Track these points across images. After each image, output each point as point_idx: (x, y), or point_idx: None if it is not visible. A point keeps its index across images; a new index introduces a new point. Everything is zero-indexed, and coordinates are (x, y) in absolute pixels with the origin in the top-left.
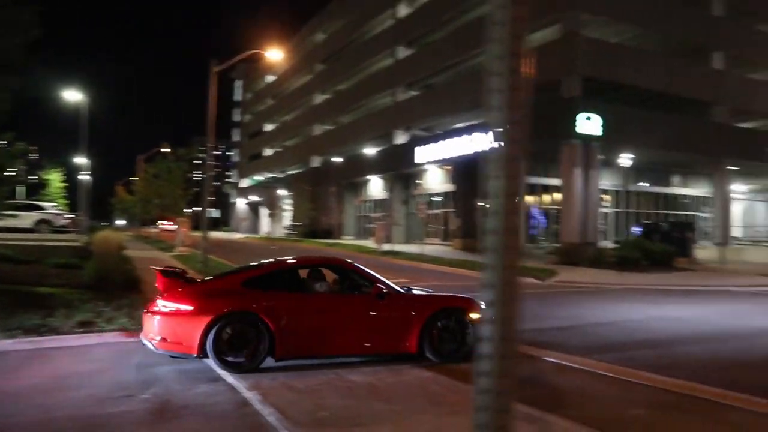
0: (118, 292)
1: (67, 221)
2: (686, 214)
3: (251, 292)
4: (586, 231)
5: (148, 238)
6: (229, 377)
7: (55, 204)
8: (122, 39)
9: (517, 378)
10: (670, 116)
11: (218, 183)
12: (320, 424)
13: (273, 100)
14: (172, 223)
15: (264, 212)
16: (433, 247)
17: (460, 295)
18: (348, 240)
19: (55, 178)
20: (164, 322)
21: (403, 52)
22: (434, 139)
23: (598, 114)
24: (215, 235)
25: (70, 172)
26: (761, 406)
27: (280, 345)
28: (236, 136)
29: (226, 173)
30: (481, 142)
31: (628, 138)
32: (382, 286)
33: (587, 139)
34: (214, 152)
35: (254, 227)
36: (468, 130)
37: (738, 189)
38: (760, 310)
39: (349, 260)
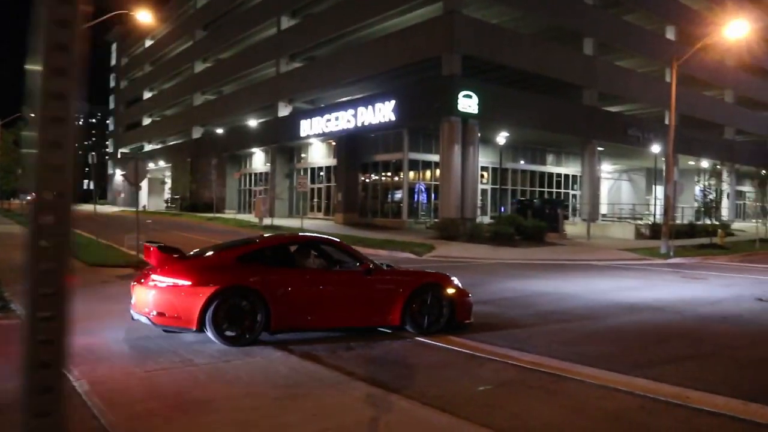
0: None
1: None
2: (560, 192)
3: (247, 266)
4: (465, 207)
5: (10, 212)
6: None
7: None
8: None
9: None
10: (544, 97)
11: (95, 153)
12: (145, 415)
13: (152, 66)
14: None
15: (144, 184)
16: (315, 222)
17: (437, 272)
18: (230, 214)
19: None
20: (161, 297)
21: (287, 22)
22: (318, 112)
23: (476, 92)
24: (88, 208)
25: None
26: (597, 378)
27: (276, 318)
28: (114, 104)
29: (106, 143)
30: (364, 116)
31: (504, 117)
32: (369, 264)
33: (466, 116)
34: (91, 120)
35: (133, 200)
36: (351, 105)
37: (606, 169)
38: (618, 284)
39: (338, 239)
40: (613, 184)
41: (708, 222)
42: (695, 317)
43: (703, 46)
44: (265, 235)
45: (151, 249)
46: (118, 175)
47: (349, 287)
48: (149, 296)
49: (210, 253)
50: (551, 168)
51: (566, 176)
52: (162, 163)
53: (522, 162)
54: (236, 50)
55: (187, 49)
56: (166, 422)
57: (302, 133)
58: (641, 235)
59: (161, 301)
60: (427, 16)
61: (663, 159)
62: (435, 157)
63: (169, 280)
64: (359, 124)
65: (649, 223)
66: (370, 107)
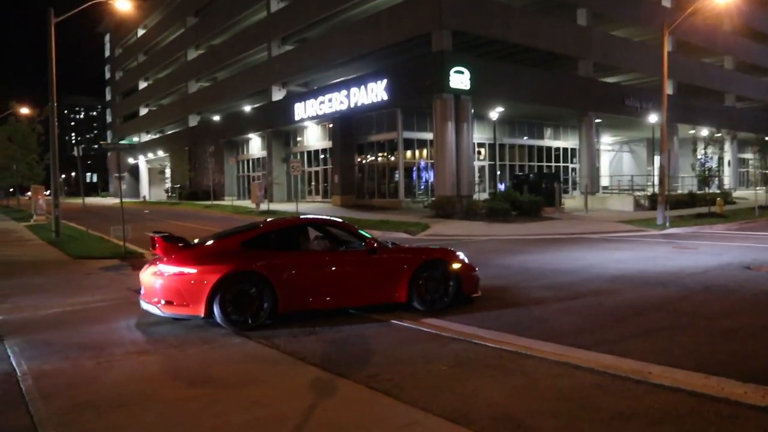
0: None
1: None
2: (558, 166)
3: (251, 252)
4: (461, 184)
5: (8, 208)
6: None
7: None
8: None
9: None
10: (538, 71)
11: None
12: (81, 408)
13: (145, 56)
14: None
15: (144, 175)
16: (313, 205)
17: (442, 248)
18: (228, 201)
19: None
20: (168, 286)
21: (276, 5)
22: (312, 95)
23: (468, 68)
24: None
25: None
26: (560, 355)
27: (283, 301)
28: (110, 95)
29: (106, 135)
30: (357, 97)
31: (498, 91)
32: (374, 243)
33: (458, 93)
34: (92, 113)
35: (135, 191)
36: (344, 86)
37: (606, 141)
38: (605, 257)
39: (341, 220)
40: (614, 155)
41: (708, 191)
42: (678, 288)
43: (696, 10)
44: (268, 219)
45: (156, 239)
46: None
47: (354, 267)
48: (156, 286)
49: (214, 240)
50: (549, 142)
51: (565, 149)
52: (161, 153)
53: (520, 137)
54: (228, 36)
55: (179, 37)
56: (100, 416)
57: (296, 117)
58: (640, 206)
59: (168, 290)
60: None
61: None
62: (429, 136)
63: (175, 269)
64: (352, 105)
65: (648, 194)
66: (362, 87)
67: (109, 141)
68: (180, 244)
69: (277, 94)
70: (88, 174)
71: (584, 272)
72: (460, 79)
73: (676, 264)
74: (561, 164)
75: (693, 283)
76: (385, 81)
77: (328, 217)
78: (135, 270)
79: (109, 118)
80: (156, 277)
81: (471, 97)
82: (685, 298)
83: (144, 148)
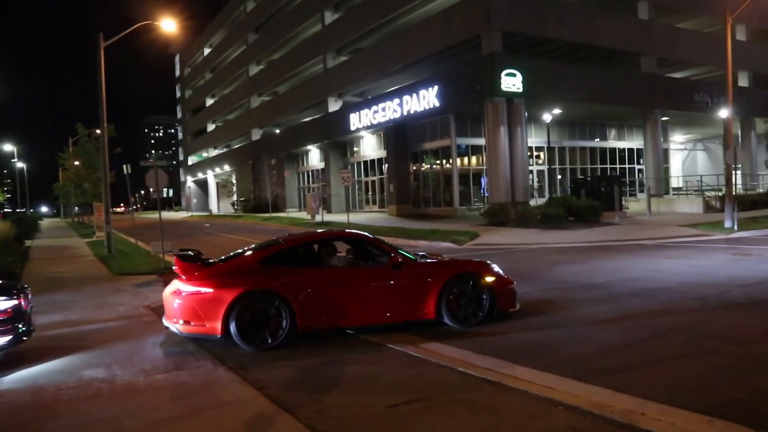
0: None
1: None
2: (624, 168)
3: (269, 269)
4: (515, 190)
5: (83, 224)
6: None
7: None
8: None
9: None
10: (597, 69)
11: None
12: None
13: (211, 73)
14: (122, 207)
15: (212, 189)
16: (370, 215)
17: (474, 260)
18: (290, 213)
19: None
20: (186, 306)
21: (330, 17)
22: (366, 104)
23: (520, 70)
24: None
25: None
26: (547, 389)
27: (302, 319)
28: (181, 113)
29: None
30: (409, 104)
31: (553, 93)
32: (398, 256)
33: (510, 96)
34: (170, 130)
35: (205, 205)
36: (397, 94)
37: (677, 139)
38: (651, 266)
39: (365, 233)
40: (688, 155)
41: None
42: (718, 304)
43: None
44: (289, 234)
45: (174, 258)
46: (190, 182)
47: (377, 283)
48: (174, 305)
49: (234, 257)
50: (613, 143)
51: (630, 150)
52: (227, 167)
53: (581, 139)
54: (286, 50)
55: (241, 54)
56: None
57: (352, 127)
58: (711, 207)
59: (186, 309)
60: None
61: (738, 124)
62: (483, 141)
63: (192, 288)
64: (405, 113)
65: (720, 194)
66: (414, 95)
67: (183, 157)
68: (198, 263)
69: (333, 105)
70: (165, 189)
71: (618, 286)
72: (512, 81)
73: (728, 274)
74: (626, 166)
75: (739, 297)
76: (436, 87)
77: (351, 231)
78: (165, 286)
79: (180, 135)
80: (174, 296)
81: (524, 99)
82: (721, 316)
83: (212, 163)
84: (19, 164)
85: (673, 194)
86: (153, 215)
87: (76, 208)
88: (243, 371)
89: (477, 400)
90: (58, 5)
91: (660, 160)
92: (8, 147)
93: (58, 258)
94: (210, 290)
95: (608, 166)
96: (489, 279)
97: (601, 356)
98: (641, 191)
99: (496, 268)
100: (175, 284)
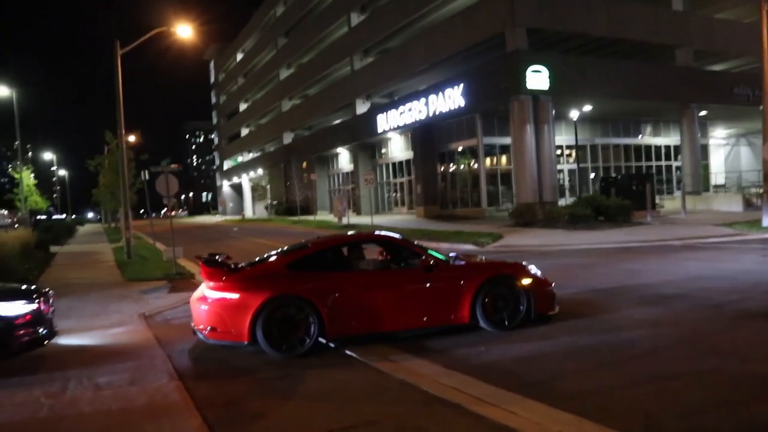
0: None
1: (9, 219)
2: (660, 165)
3: (296, 274)
4: (542, 190)
5: (116, 229)
6: None
7: None
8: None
9: None
10: (629, 63)
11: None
12: None
13: (244, 78)
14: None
15: (247, 192)
16: (398, 217)
17: (509, 261)
18: (320, 215)
19: (26, 176)
20: (212, 312)
21: (357, 18)
22: (393, 105)
23: (546, 66)
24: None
25: (45, 169)
26: (510, 415)
27: (330, 325)
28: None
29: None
30: (435, 104)
31: (583, 89)
32: (430, 258)
33: (537, 93)
34: (210, 136)
35: (240, 208)
36: (423, 94)
37: (719, 135)
38: (672, 269)
39: (396, 235)
40: (730, 150)
41: None
42: (733, 313)
43: None
44: (318, 236)
45: (200, 263)
46: (226, 186)
47: (408, 286)
48: (201, 312)
49: (261, 262)
50: (648, 139)
51: (667, 147)
52: (260, 171)
53: (614, 136)
54: (314, 53)
55: (272, 58)
56: None
57: (380, 129)
58: (751, 205)
59: (212, 315)
60: None
61: None
62: (508, 140)
63: (217, 294)
64: (432, 113)
65: (760, 191)
66: (440, 94)
67: (218, 162)
68: (225, 269)
69: (361, 107)
70: (204, 193)
71: (629, 292)
72: (537, 78)
73: (754, 279)
74: (663, 163)
75: (759, 305)
76: (462, 86)
77: (381, 233)
78: (171, 292)
79: (216, 140)
80: (200, 302)
81: (551, 96)
82: (734, 327)
83: (246, 167)
84: (61, 171)
85: (714, 191)
86: (193, 220)
87: (115, 213)
88: (194, 387)
89: (425, 426)
90: (91, 15)
91: (697, 157)
92: (48, 155)
93: (80, 264)
94: (236, 296)
95: (643, 163)
96: (526, 281)
97: (583, 375)
98: (678, 189)
99: (533, 269)
100: (202, 290)
